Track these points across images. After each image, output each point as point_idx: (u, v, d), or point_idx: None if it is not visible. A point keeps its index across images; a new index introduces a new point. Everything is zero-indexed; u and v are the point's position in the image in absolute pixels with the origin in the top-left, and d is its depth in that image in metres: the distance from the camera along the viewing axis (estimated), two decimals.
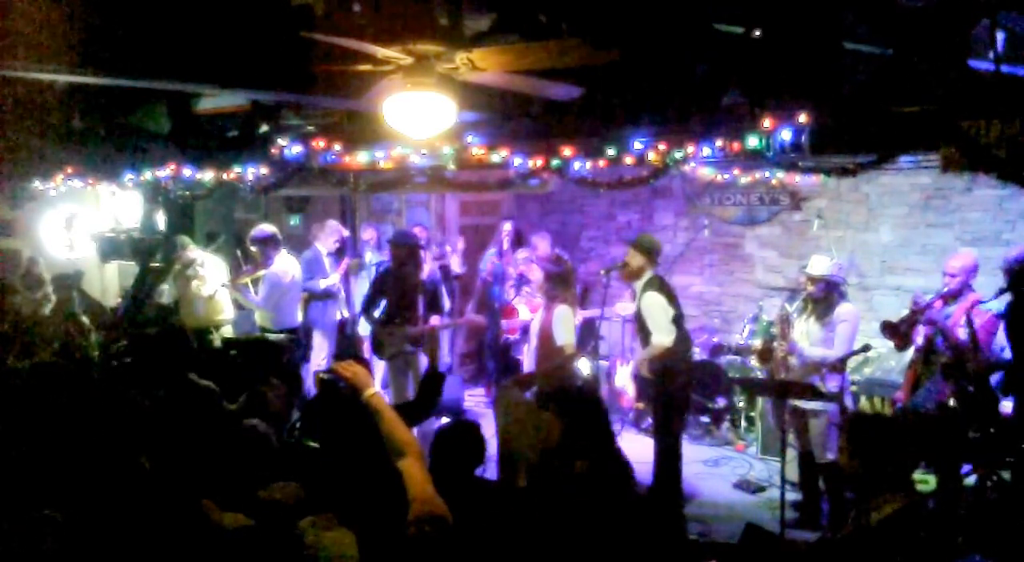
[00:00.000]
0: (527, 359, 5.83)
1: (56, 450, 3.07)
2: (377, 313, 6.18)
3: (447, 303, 6.37)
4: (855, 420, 3.18)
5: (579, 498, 2.88)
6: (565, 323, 5.47)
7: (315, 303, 7.44)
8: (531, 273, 7.15)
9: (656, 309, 5.27)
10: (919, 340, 4.95)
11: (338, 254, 7.72)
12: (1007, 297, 4.67)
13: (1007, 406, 4.73)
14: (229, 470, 2.97)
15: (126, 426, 3.37)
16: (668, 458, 5.37)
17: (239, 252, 7.33)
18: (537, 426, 3.85)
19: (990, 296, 4.74)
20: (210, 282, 6.87)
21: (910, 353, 5.18)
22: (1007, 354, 4.76)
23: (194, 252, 6.98)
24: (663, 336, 5.25)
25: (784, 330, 5.18)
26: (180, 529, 2.37)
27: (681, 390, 5.44)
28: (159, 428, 3.38)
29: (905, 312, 5.05)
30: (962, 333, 4.68)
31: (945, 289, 4.83)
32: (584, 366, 5.72)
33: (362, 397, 2.46)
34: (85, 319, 6.29)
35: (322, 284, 7.34)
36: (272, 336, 6.39)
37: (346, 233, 7.74)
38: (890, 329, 4.93)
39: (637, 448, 5.60)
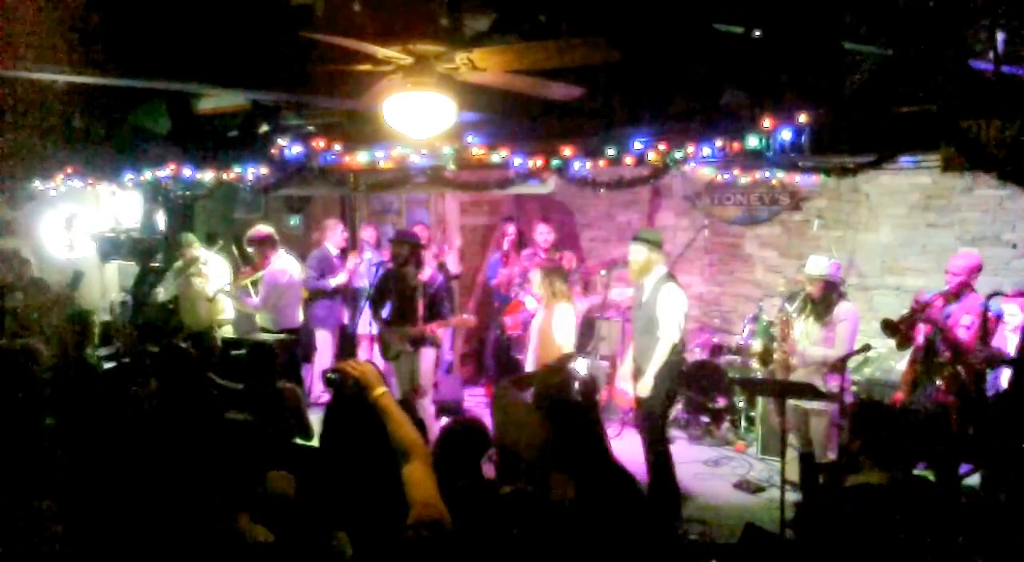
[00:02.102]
0: (528, 357, 5.84)
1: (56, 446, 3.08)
2: (384, 313, 6.20)
3: (448, 307, 6.34)
4: (858, 406, 3.22)
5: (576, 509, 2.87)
6: (564, 322, 5.46)
7: (322, 302, 7.44)
8: (533, 265, 7.16)
9: (676, 305, 5.18)
10: (920, 339, 4.95)
11: (343, 253, 7.74)
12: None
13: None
14: (229, 468, 2.96)
15: (131, 426, 3.38)
16: (659, 457, 5.37)
17: (237, 252, 7.31)
18: (534, 426, 3.84)
19: (1009, 295, 4.73)
20: (213, 281, 6.87)
21: (910, 352, 5.18)
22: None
23: (197, 250, 6.98)
24: (675, 332, 5.16)
25: (784, 331, 5.17)
26: (208, 541, 2.36)
27: (672, 392, 5.44)
28: (164, 427, 3.39)
29: (906, 312, 5.05)
30: (962, 332, 4.67)
31: (946, 289, 4.83)
32: (582, 366, 5.71)
33: (371, 396, 2.42)
34: (96, 318, 6.26)
35: (332, 282, 7.35)
36: (267, 336, 6.39)
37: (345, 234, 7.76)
38: (890, 327, 4.93)
39: (638, 448, 5.61)
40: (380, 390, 2.43)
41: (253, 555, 2.37)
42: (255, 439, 3.41)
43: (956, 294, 4.80)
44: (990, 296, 4.62)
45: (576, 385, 4.90)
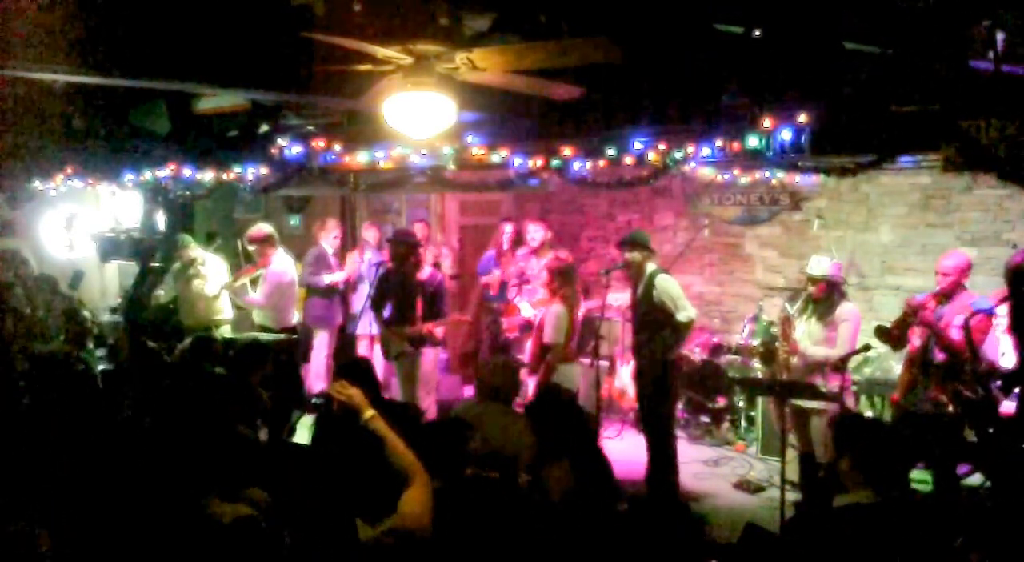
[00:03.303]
0: (526, 355, 5.88)
1: (54, 443, 3.08)
2: (385, 313, 6.20)
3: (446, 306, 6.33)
4: (840, 422, 3.20)
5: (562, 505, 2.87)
6: (557, 322, 5.49)
7: (318, 301, 7.44)
8: (529, 267, 7.17)
9: (675, 288, 5.32)
10: (916, 341, 4.93)
11: (340, 252, 7.74)
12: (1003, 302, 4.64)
13: (1008, 406, 4.71)
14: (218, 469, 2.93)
15: (126, 423, 3.38)
16: (664, 452, 5.38)
17: (241, 250, 7.31)
18: (479, 417, 3.86)
19: (989, 297, 4.71)
20: (212, 282, 6.87)
21: (905, 352, 5.17)
22: (1005, 359, 4.75)
23: (195, 251, 6.99)
24: (691, 311, 5.31)
25: (786, 331, 5.18)
26: (177, 521, 2.36)
27: (675, 383, 5.53)
28: (160, 425, 3.38)
29: (899, 315, 5.03)
30: (955, 333, 4.66)
31: (937, 289, 4.80)
32: (575, 373, 5.74)
33: (361, 420, 2.35)
34: (87, 314, 6.28)
35: (327, 279, 7.35)
36: (270, 336, 6.41)
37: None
38: (885, 334, 4.92)
39: (637, 448, 5.61)
40: (369, 414, 2.37)
41: (227, 533, 2.36)
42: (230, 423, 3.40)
43: (948, 295, 4.78)
44: (972, 315, 4.57)
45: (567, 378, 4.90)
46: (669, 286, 5.32)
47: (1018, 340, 4.50)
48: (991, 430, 4.52)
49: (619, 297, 7.05)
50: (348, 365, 4.73)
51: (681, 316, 5.28)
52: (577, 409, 3.58)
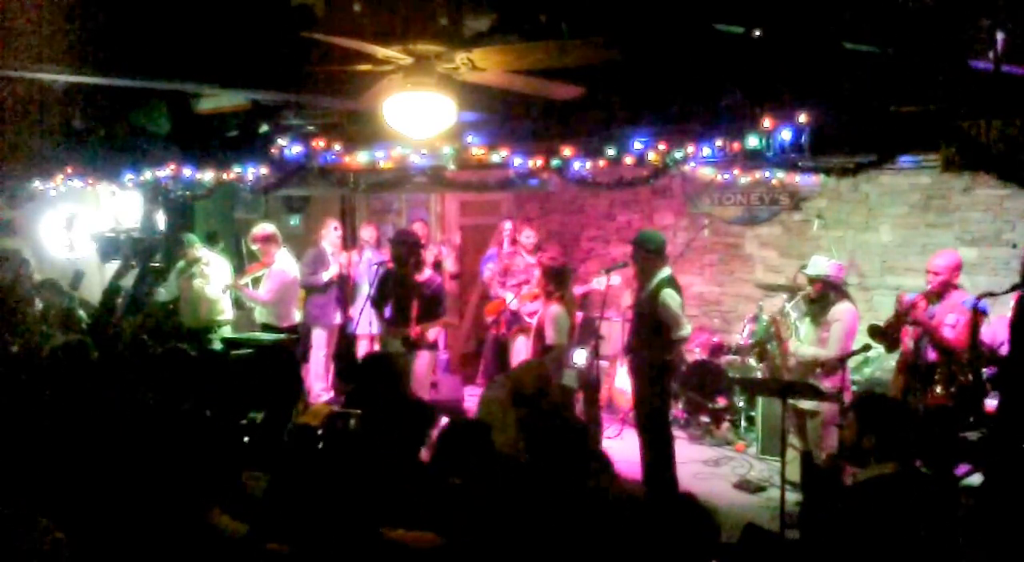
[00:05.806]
0: (524, 353, 5.89)
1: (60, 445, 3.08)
2: (387, 313, 6.20)
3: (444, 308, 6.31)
4: (863, 400, 3.30)
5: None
6: (557, 322, 5.48)
7: (316, 300, 7.45)
8: (515, 264, 7.20)
9: (677, 305, 5.23)
10: (908, 343, 4.93)
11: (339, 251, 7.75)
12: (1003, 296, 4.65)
13: (992, 404, 4.73)
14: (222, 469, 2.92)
15: (129, 424, 3.37)
16: (660, 451, 5.38)
17: (246, 249, 7.33)
18: (506, 424, 3.82)
19: (1001, 291, 4.71)
20: (214, 281, 6.89)
21: (897, 358, 5.18)
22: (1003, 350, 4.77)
23: (199, 251, 6.99)
24: (684, 330, 5.25)
25: (779, 330, 5.19)
26: (182, 534, 2.36)
27: (668, 382, 5.53)
28: (162, 427, 3.37)
29: (892, 315, 5.03)
30: (947, 332, 4.67)
31: (928, 288, 4.81)
32: (580, 357, 5.74)
33: None
34: (83, 313, 6.30)
35: (324, 276, 7.36)
36: (272, 336, 6.42)
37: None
38: (879, 334, 4.92)
39: (637, 448, 5.61)
40: None
41: (226, 548, 2.37)
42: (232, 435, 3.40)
43: (939, 294, 4.79)
44: (980, 297, 4.58)
45: (568, 376, 4.88)
46: (671, 302, 5.20)
47: (1014, 336, 4.51)
48: (977, 418, 4.55)
49: (617, 280, 7.03)
50: (369, 362, 4.70)
51: (672, 334, 5.21)
52: (564, 423, 3.52)
